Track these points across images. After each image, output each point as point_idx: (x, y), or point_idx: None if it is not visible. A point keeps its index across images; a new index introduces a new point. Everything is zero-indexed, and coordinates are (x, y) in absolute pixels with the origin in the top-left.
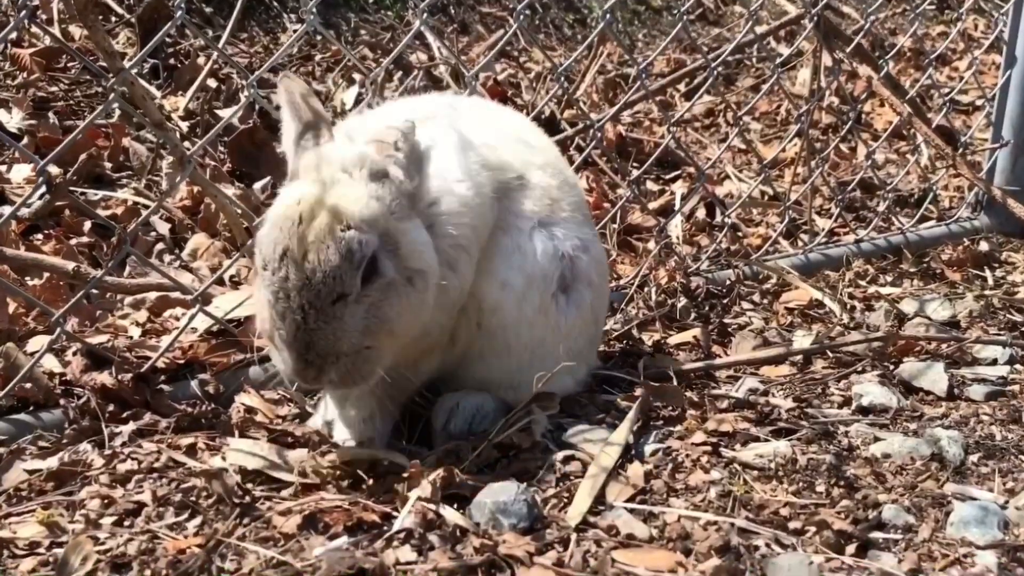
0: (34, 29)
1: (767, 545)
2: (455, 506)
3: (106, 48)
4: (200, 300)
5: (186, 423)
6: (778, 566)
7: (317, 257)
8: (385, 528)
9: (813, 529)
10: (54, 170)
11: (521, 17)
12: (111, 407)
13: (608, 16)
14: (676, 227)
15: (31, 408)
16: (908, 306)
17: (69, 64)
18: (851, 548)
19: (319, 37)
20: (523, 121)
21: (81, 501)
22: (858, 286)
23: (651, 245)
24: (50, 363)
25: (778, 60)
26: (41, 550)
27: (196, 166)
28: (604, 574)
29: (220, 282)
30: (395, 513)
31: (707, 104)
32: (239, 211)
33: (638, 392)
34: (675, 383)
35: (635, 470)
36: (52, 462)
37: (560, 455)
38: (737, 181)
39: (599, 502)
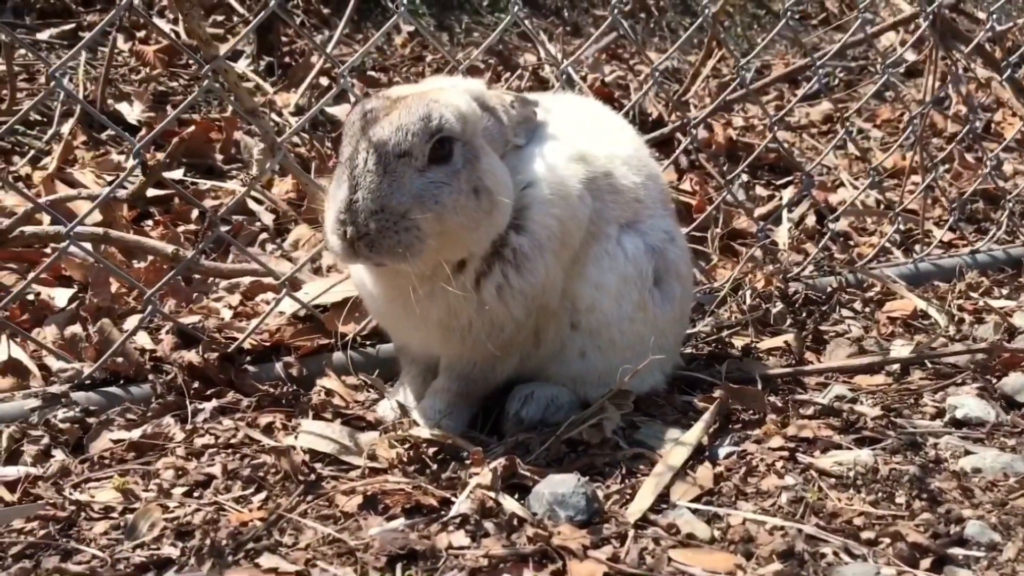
0: (158, 25)
1: (835, 554)
2: (516, 496)
3: (201, 36)
4: (287, 285)
5: (267, 403)
6: (843, 575)
7: (398, 115)
8: (443, 513)
9: (887, 540)
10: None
11: (616, 12)
12: (196, 384)
13: (708, 12)
14: (783, 233)
15: (121, 382)
16: (1021, 319)
17: (190, 60)
18: (926, 563)
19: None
20: (610, 115)
21: (156, 471)
22: (969, 298)
23: (757, 252)
24: (143, 340)
25: (889, 61)
26: (114, 515)
27: (286, 153)
28: (659, 572)
29: (318, 272)
30: (455, 499)
31: (826, 111)
32: None
33: (717, 394)
34: (759, 387)
35: (704, 471)
36: (135, 433)
37: (629, 452)
38: (852, 189)
39: (662, 500)
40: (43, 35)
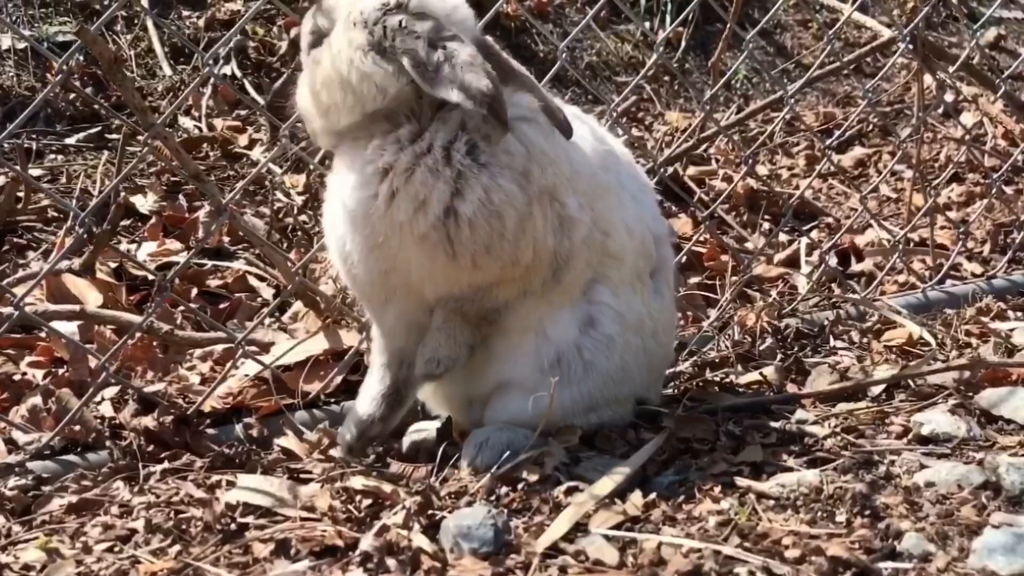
0: (182, 122)
1: (750, 573)
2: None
3: (137, 104)
4: (243, 346)
5: (220, 463)
6: None
7: None
8: (351, 554)
9: (813, 558)
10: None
11: (564, 56)
12: (151, 448)
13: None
14: (803, 277)
15: (79, 449)
16: (1021, 337)
17: (210, 152)
18: None
19: None
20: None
21: (84, 529)
22: (979, 323)
23: (773, 294)
24: (105, 409)
25: (868, 86)
26: (32, 573)
27: (232, 214)
28: None
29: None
30: None
31: (857, 156)
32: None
33: (666, 423)
34: (717, 417)
35: (635, 499)
36: (77, 497)
37: (564, 486)
38: (879, 230)
39: (580, 529)
40: (71, 140)
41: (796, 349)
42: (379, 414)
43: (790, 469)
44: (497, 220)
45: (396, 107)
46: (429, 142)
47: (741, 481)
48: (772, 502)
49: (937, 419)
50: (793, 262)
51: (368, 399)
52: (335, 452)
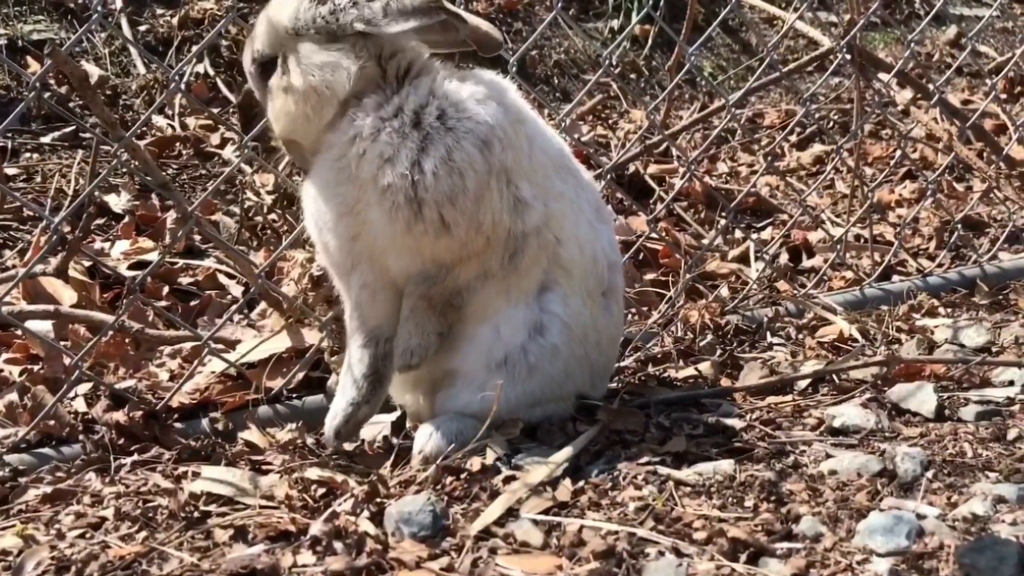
0: (155, 120)
1: (660, 553)
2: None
3: (107, 119)
4: (208, 345)
5: (187, 455)
6: (650, 569)
7: None
8: (302, 538)
9: (718, 539)
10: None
11: (513, 69)
12: (122, 441)
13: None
14: (753, 273)
15: (53, 442)
16: (942, 335)
17: (183, 151)
18: (744, 557)
19: None
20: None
21: (58, 517)
22: (909, 319)
23: (724, 291)
24: (79, 404)
25: (807, 94)
26: (10, 558)
27: (198, 221)
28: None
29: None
30: None
31: (816, 154)
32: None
33: (600, 416)
34: (651, 411)
35: (565, 487)
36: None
37: (503, 475)
38: (832, 227)
39: (512, 514)
40: (46, 139)
41: (735, 345)
42: (363, 396)
43: (709, 459)
44: (459, 177)
45: (364, 87)
46: (397, 106)
47: (663, 470)
48: (689, 489)
49: (849, 412)
50: (746, 259)
51: (350, 384)
52: (323, 440)
